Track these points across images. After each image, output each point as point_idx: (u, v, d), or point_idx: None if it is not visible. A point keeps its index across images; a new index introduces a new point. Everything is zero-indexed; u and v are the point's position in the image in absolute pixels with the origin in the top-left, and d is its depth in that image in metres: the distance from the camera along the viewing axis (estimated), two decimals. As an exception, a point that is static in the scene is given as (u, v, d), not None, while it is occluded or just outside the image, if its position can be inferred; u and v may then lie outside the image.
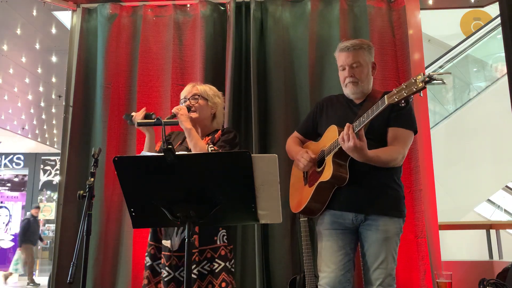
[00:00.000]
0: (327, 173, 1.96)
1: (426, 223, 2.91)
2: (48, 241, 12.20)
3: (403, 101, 1.72)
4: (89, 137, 3.24)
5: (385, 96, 1.77)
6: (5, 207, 12.23)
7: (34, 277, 8.90)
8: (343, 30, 3.16)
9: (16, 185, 12.68)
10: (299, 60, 3.22)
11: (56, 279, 3.00)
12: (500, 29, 3.20)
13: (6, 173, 12.31)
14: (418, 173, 2.96)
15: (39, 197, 10.91)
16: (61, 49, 5.32)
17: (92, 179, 1.91)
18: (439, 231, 3.00)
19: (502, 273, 2.95)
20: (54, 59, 5.64)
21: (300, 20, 3.28)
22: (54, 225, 3.15)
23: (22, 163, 11.35)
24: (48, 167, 11.02)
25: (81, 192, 1.88)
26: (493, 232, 3.92)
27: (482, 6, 3.75)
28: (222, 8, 3.35)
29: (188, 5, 3.38)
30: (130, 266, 2.99)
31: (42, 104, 7.50)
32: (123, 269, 3.01)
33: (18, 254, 8.54)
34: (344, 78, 2.11)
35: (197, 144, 2.02)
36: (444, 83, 1.68)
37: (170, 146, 1.37)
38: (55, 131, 9.32)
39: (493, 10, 5.21)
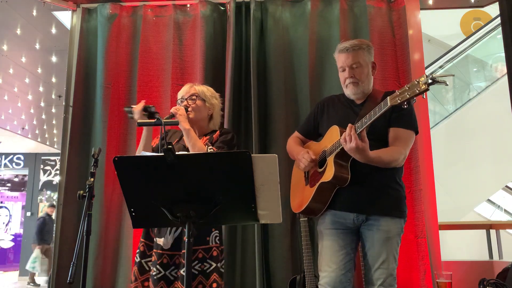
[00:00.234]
0: (329, 174, 1.96)
1: (426, 223, 2.91)
2: (48, 241, 12.18)
3: (405, 103, 1.72)
4: (89, 137, 3.24)
5: (388, 97, 1.77)
6: (5, 207, 12.23)
7: (34, 277, 8.90)
8: (343, 30, 3.16)
9: (16, 185, 12.68)
10: (299, 60, 3.22)
11: (56, 279, 3.00)
12: (500, 29, 3.20)
13: (6, 173, 12.30)
14: (418, 173, 2.96)
15: (39, 197, 10.90)
16: (61, 49, 5.31)
17: (92, 179, 1.91)
18: (439, 231, 3.00)
19: (502, 273, 2.95)
20: (54, 59, 5.64)
21: (300, 20, 3.28)
22: (54, 225, 3.15)
23: (22, 163, 11.34)
24: (48, 167, 11.01)
25: (81, 192, 1.88)
26: (493, 232, 3.92)
27: (482, 6, 3.75)
28: (222, 8, 3.36)
29: (188, 5, 3.38)
30: (130, 266, 2.99)
31: (42, 104, 7.49)
32: (123, 269, 3.02)
33: (36, 253, 8.46)
34: (345, 79, 2.10)
35: (196, 145, 2.02)
36: (446, 84, 1.68)
37: (170, 146, 1.37)
38: (55, 131, 9.31)
39: (493, 10, 5.21)
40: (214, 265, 2.00)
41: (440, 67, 6.47)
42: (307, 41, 3.20)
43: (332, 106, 2.21)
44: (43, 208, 9.54)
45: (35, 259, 8.40)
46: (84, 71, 3.32)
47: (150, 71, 3.28)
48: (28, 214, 10.89)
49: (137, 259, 2.09)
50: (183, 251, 1.98)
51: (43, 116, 8.22)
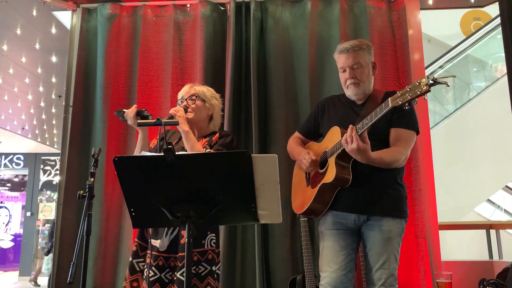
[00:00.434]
0: (330, 175, 1.96)
1: (426, 223, 2.91)
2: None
3: (407, 104, 1.72)
4: (89, 137, 3.24)
5: (389, 98, 1.77)
6: (5, 207, 12.23)
7: (37, 277, 8.90)
8: (343, 30, 3.16)
9: (16, 185, 12.68)
10: (299, 60, 3.22)
11: (56, 279, 3.01)
12: (500, 29, 3.20)
13: (6, 173, 12.31)
14: (418, 173, 2.96)
15: (39, 197, 10.90)
16: (61, 49, 5.31)
17: (92, 179, 1.91)
18: (439, 231, 3.00)
19: (502, 273, 2.95)
20: (54, 59, 5.64)
21: (300, 20, 3.28)
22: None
23: (22, 163, 11.34)
24: (48, 167, 11.01)
25: (81, 192, 1.88)
26: (493, 232, 3.92)
27: (482, 6, 3.75)
28: (222, 8, 3.36)
29: (188, 5, 3.38)
30: (130, 266, 2.99)
31: (42, 104, 7.49)
32: (123, 269, 3.01)
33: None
34: (345, 80, 2.10)
35: (194, 147, 2.01)
36: (448, 85, 1.68)
37: (170, 146, 1.37)
38: (55, 131, 9.30)
39: (493, 10, 5.21)
40: (208, 268, 1.99)
41: (440, 67, 6.47)
42: (307, 41, 3.20)
43: (332, 106, 2.21)
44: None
45: (48, 261, 8.39)
46: (84, 71, 3.32)
47: (150, 71, 3.28)
48: (28, 214, 10.88)
49: (129, 259, 2.09)
50: (179, 254, 1.97)
51: (43, 116, 8.22)
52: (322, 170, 2.05)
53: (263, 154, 1.93)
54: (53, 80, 6.46)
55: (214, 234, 2.06)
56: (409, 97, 1.70)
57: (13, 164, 11.45)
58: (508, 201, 7.22)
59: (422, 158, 3.02)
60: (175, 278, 1.96)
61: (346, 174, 1.95)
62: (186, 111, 2.13)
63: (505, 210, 7.35)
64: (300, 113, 3.16)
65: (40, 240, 10.47)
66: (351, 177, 1.95)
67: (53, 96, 7.12)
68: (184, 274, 1.89)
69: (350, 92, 2.11)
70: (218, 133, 2.17)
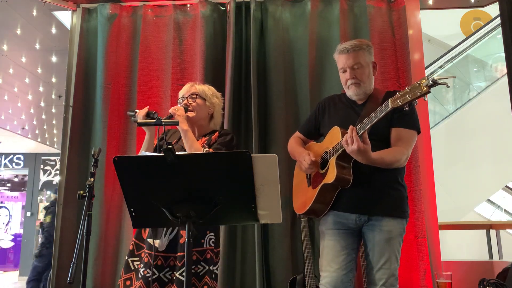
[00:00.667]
0: (331, 176, 1.96)
1: (426, 223, 2.91)
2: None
3: (407, 105, 1.72)
4: (89, 137, 3.24)
5: (389, 99, 1.77)
6: (5, 207, 12.22)
7: None
8: (343, 30, 3.16)
9: (16, 185, 12.67)
10: (299, 60, 3.22)
11: (56, 279, 3.01)
12: (500, 29, 3.20)
13: (6, 173, 12.30)
14: (418, 173, 2.96)
15: (39, 197, 10.89)
16: (61, 49, 5.31)
17: (92, 179, 1.91)
18: (439, 231, 3.00)
19: (502, 273, 2.95)
20: (54, 59, 5.63)
21: (300, 20, 3.28)
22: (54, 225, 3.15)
23: (22, 163, 11.33)
24: (48, 167, 11.00)
25: (81, 192, 1.88)
26: (493, 232, 3.92)
27: (482, 6, 3.75)
28: (222, 8, 3.36)
29: (188, 5, 3.38)
30: (130, 266, 2.99)
31: (42, 104, 7.49)
32: (123, 269, 3.01)
33: None
34: (346, 80, 2.10)
35: (193, 146, 2.01)
36: (448, 86, 1.67)
37: (170, 146, 1.37)
38: (55, 131, 9.30)
39: (493, 10, 5.20)
40: (206, 267, 1.99)
41: (440, 67, 6.47)
42: (307, 41, 3.20)
43: (333, 106, 2.21)
44: None
45: None
46: (84, 71, 3.32)
47: (150, 71, 3.28)
48: (28, 214, 10.87)
49: (126, 258, 2.10)
50: (178, 253, 1.97)
51: (43, 116, 8.21)
52: (323, 171, 2.05)
53: (263, 154, 1.93)
54: (53, 80, 6.45)
55: (213, 234, 2.06)
56: (409, 98, 1.70)
57: (13, 164, 11.45)
58: (508, 201, 7.22)
59: (422, 158, 3.02)
60: (174, 278, 1.96)
61: (347, 174, 1.95)
62: (186, 109, 2.13)
63: (505, 210, 7.35)
64: (300, 113, 3.16)
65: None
66: (352, 177, 1.95)
67: (53, 96, 7.12)
68: (183, 274, 1.90)
69: (351, 92, 2.10)
70: (217, 132, 2.17)
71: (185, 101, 2.17)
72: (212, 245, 2.04)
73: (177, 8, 3.37)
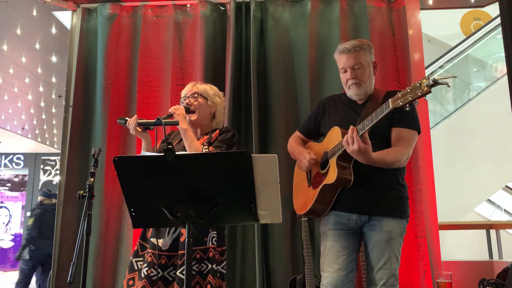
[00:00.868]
0: (332, 176, 1.96)
1: (426, 223, 2.91)
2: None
3: (408, 105, 1.72)
4: (89, 137, 3.24)
5: (390, 100, 1.77)
6: (5, 207, 12.22)
7: None
8: (343, 30, 3.16)
9: (16, 185, 12.68)
10: (299, 60, 3.22)
11: (56, 279, 3.01)
12: (500, 29, 3.20)
13: (6, 173, 12.31)
14: (418, 173, 2.96)
15: (39, 197, 10.90)
16: (61, 49, 5.32)
17: (92, 179, 1.91)
18: (439, 231, 3.00)
19: (502, 273, 2.95)
20: (54, 59, 5.64)
21: (300, 20, 3.28)
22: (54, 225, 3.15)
23: (22, 163, 11.35)
24: (48, 167, 11.01)
25: (81, 192, 1.88)
26: (493, 232, 3.92)
27: (482, 6, 3.75)
28: (222, 8, 3.36)
29: (188, 5, 3.38)
30: (130, 266, 2.99)
31: (42, 104, 7.49)
32: (123, 269, 3.01)
33: None
34: (347, 80, 2.09)
35: (192, 145, 2.01)
36: (448, 86, 1.67)
37: (170, 146, 1.37)
38: (55, 131, 9.31)
39: (493, 10, 5.21)
40: (209, 266, 1.98)
41: (440, 67, 6.47)
42: (307, 41, 3.20)
43: (333, 106, 2.21)
44: None
45: None
46: (84, 71, 3.32)
47: (150, 71, 3.28)
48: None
49: (130, 258, 2.10)
50: (179, 251, 1.97)
51: (43, 116, 8.22)
52: (324, 171, 2.04)
53: (263, 154, 1.93)
54: (53, 80, 6.46)
55: (215, 232, 2.05)
56: (409, 98, 1.70)
57: (13, 164, 11.46)
58: (508, 201, 7.23)
59: (422, 158, 3.02)
60: (176, 277, 1.96)
61: (348, 174, 1.95)
62: (188, 109, 2.13)
63: (505, 210, 7.35)
64: (300, 113, 3.16)
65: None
66: (352, 177, 1.95)
67: (53, 96, 7.13)
68: (183, 272, 1.90)
69: (351, 92, 2.10)
70: (218, 130, 2.17)
71: (187, 101, 2.17)
72: (215, 243, 2.04)
73: (177, 8, 3.37)
